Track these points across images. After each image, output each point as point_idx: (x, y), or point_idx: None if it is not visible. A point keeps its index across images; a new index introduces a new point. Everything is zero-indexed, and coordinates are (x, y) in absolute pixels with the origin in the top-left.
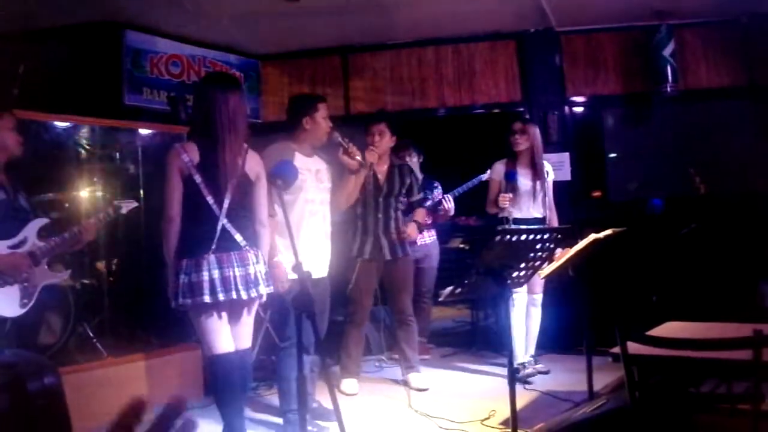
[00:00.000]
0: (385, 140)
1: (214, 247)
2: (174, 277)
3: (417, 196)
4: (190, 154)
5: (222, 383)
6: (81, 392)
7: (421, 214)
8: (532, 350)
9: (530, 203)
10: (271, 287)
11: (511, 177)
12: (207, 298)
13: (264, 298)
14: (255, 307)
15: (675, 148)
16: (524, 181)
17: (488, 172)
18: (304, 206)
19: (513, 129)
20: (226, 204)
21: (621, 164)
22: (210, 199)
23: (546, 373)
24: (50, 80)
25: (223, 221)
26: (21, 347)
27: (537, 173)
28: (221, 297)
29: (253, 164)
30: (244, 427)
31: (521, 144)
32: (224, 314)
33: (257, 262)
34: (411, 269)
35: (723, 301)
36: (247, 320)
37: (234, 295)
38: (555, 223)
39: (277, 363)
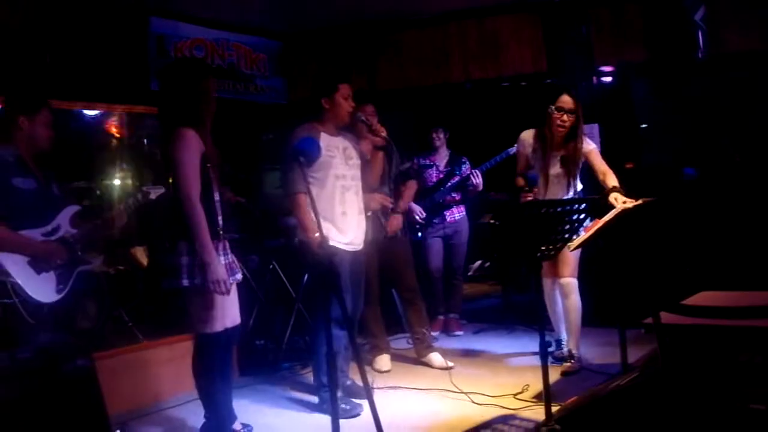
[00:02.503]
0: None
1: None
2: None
3: (405, 165)
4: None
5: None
6: (118, 375)
7: (408, 193)
8: (573, 346)
9: (561, 191)
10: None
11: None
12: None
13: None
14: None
15: (708, 116)
16: (555, 168)
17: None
18: (335, 182)
19: (561, 106)
20: (217, 197)
21: (652, 134)
22: (216, 195)
23: (572, 373)
24: (78, 68)
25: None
26: (58, 332)
27: (573, 160)
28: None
29: None
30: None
31: (568, 124)
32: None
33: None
34: (409, 246)
35: (761, 270)
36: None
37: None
38: (612, 180)
39: (310, 342)
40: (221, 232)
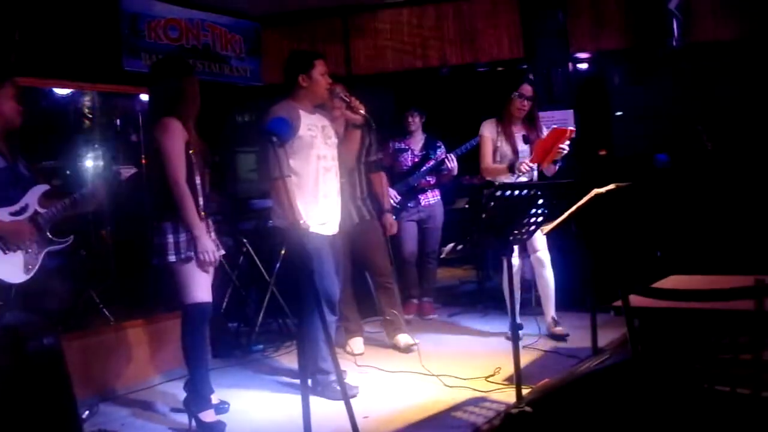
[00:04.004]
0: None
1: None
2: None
3: (375, 155)
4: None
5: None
6: (88, 357)
7: (383, 182)
8: (552, 311)
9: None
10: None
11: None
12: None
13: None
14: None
15: (682, 104)
16: (521, 144)
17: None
18: (318, 163)
19: (522, 93)
20: (198, 180)
21: (626, 121)
22: (197, 178)
23: (564, 337)
24: (48, 46)
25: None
26: (25, 312)
27: (536, 136)
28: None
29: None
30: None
31: (527, 108)
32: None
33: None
34: (380, 230)
35: (730, 255)
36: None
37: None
38: None
39: (300, 327)
40: (202, 213)
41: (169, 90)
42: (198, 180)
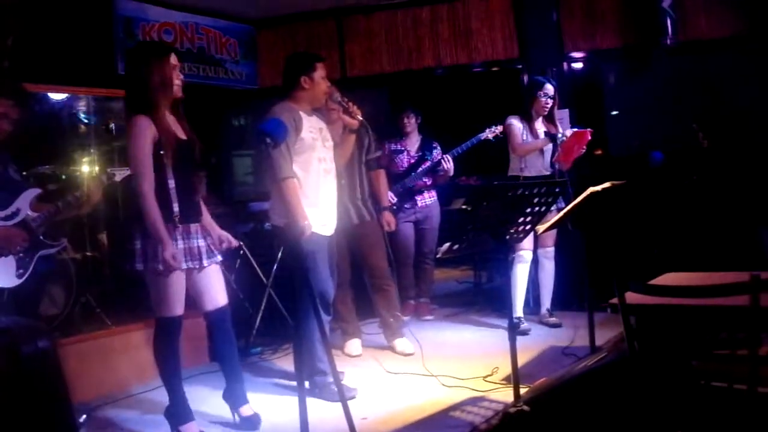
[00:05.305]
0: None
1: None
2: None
3: (374, 154)
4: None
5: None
6: (86, 361)
7: (381, 180)
8: (548, 303)
9: (541, 161)
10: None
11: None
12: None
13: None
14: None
15: (677, 102)
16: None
17: (492, 128)
18: (319, 166)
19: (546, 92)
20: (172, 183)
21: (622, 119)
22: (171, 182)
23: (558, 326)
24: (42, 51)
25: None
26: (18, 316)
27: (555, 131)
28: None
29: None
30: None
31: (551, 105)
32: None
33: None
34: (380, 231)
35: (725, 252)
36: None
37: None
38: None
39: (297, 328)
40: (177, 218)
41: (134, 82)
42: (172, 183)
